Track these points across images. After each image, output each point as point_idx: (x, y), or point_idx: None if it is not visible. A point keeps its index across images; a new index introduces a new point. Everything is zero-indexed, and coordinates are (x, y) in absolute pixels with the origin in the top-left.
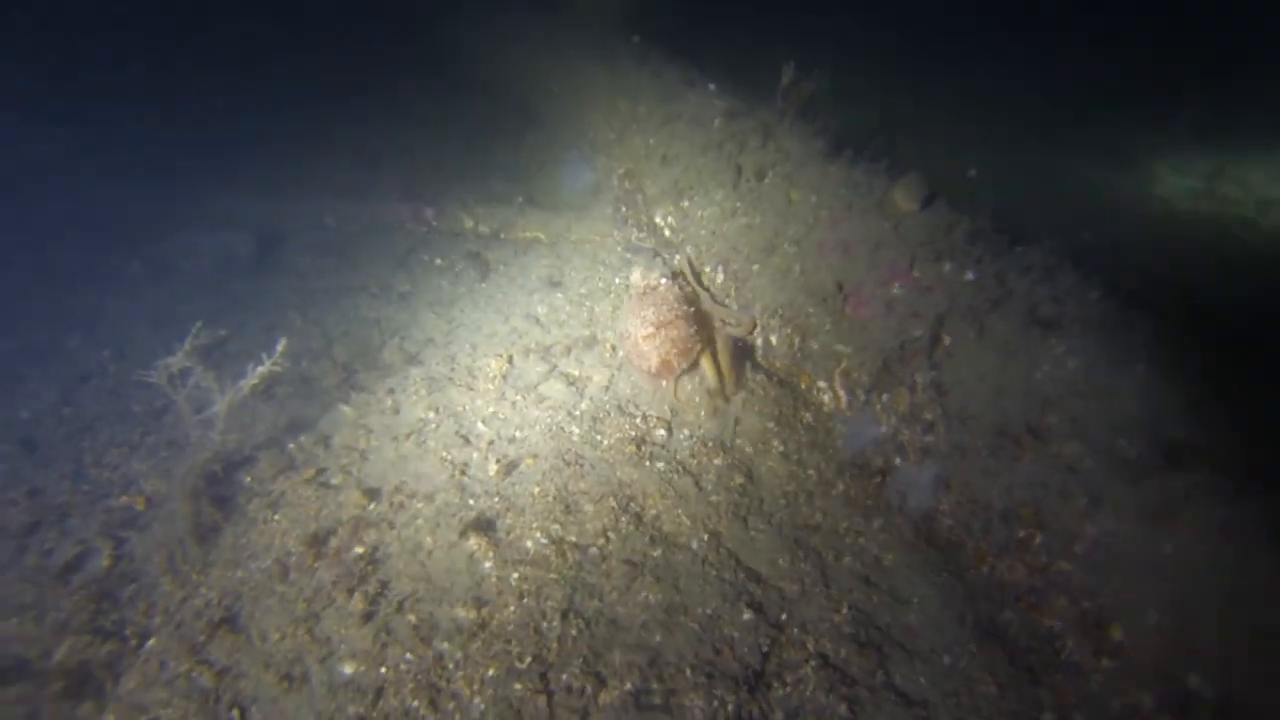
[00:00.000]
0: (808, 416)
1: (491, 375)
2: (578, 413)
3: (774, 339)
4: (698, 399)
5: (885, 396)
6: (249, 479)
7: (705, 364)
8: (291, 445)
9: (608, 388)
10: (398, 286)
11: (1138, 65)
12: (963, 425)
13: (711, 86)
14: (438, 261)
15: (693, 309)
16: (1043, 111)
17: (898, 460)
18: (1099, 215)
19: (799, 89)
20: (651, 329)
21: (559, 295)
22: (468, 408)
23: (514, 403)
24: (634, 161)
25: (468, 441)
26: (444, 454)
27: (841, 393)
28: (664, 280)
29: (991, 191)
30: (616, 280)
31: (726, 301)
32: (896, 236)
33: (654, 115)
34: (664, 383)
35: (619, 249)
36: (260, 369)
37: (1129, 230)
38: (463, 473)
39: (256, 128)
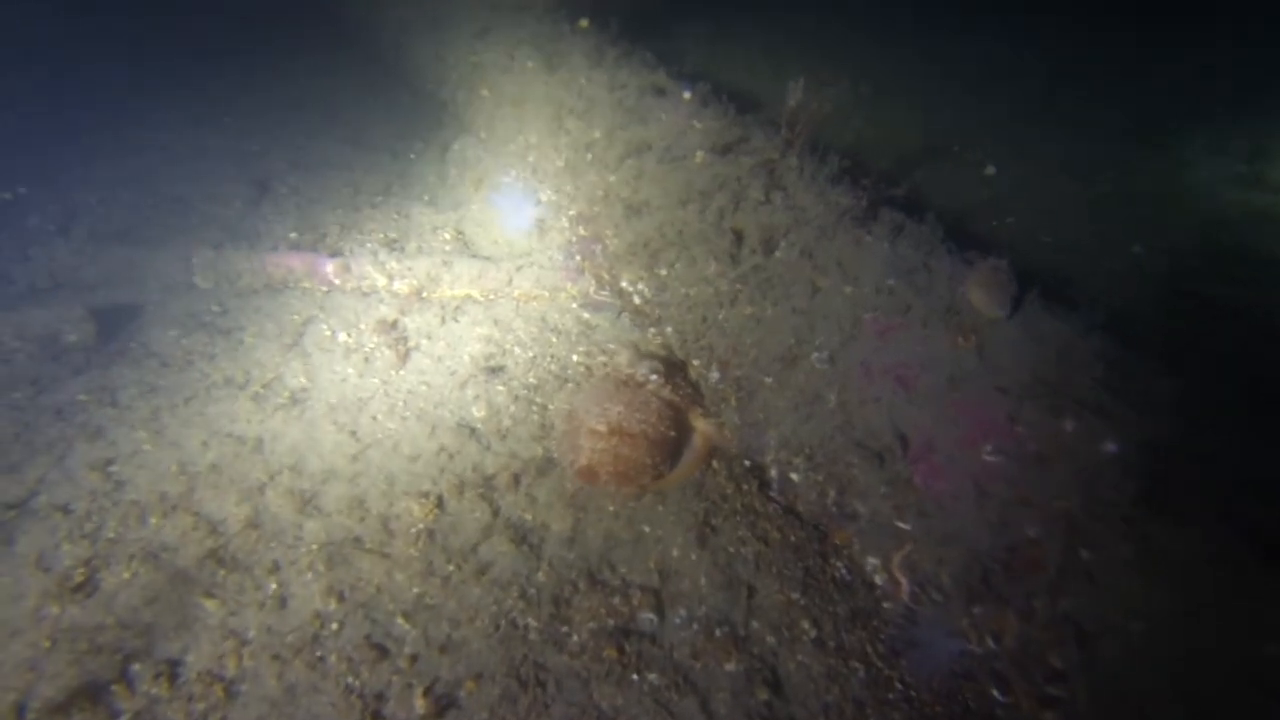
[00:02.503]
0: (839, 568)
1: (413, 534)
2: (533, 590)
3: (795, 477)
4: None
5: (978, 610)
6: None
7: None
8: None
9: (573, 540)
10: (289, 381)
11: (1159, 30)
12: (1119, 696)
13: (687, 94)
14: (342, 338)
15: (671, 435)
16: (1051, 86)
17: (995, 693)
18: (1152, 218)
19: (809, 111)
20: (604, 427)
21: (499, 387)
22: (384, 590)
23: (445, 578)
24: (589, 204)
25: (384, 654)
26: (350, 679)
27: (902, 580)
28: (653, 378)
29: (1023, 203)
30: (574, 358)
31: (723, 409)
32: (982, 366)
33: (613, 143)
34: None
35: (574, 306)
36: None
37: (1194, 238)
38: (374, 716)
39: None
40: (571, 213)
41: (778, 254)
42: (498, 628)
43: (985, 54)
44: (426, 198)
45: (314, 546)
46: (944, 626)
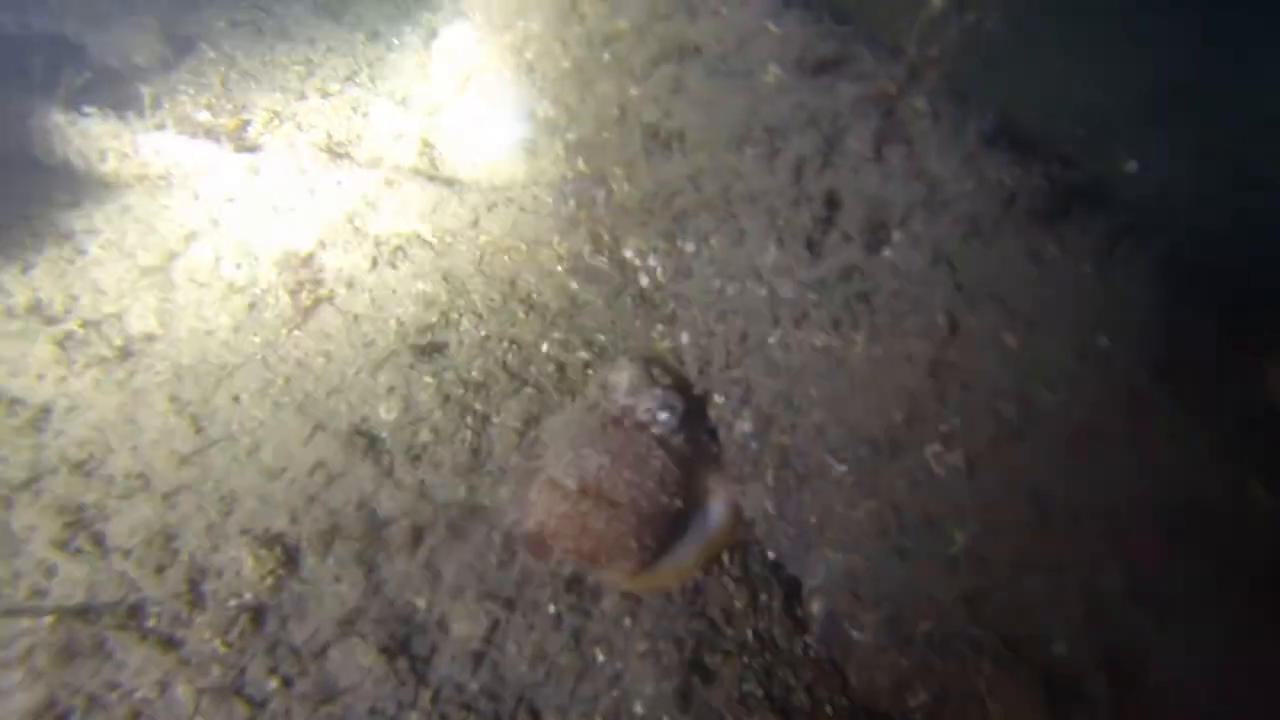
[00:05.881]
0: None
1: (231, 611)
2: None
3: (857, 636)
4: None
5: None
6: None
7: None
8: None
9: (481, 658)
10: (130, 323)
11: None
12: None
13: None
14: (229, 271)
15: (674, 508)
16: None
17: None
18: None
19: (956, 32)
20: (573, 484)
21: (428, 378)
22: None
23: (257, 706)
24: (596, 127)
25: None
26: None
27: None
28: (663, 418)
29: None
30: (544, 348)
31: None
32: None
33: (644, 40)
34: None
35: (559, 269)
36: None
37: None
38: None
39: None
40: (570, 137)
41: (888, 252)
42: None
43: None
44: (399, 95)
45: (50, 618)
46: None
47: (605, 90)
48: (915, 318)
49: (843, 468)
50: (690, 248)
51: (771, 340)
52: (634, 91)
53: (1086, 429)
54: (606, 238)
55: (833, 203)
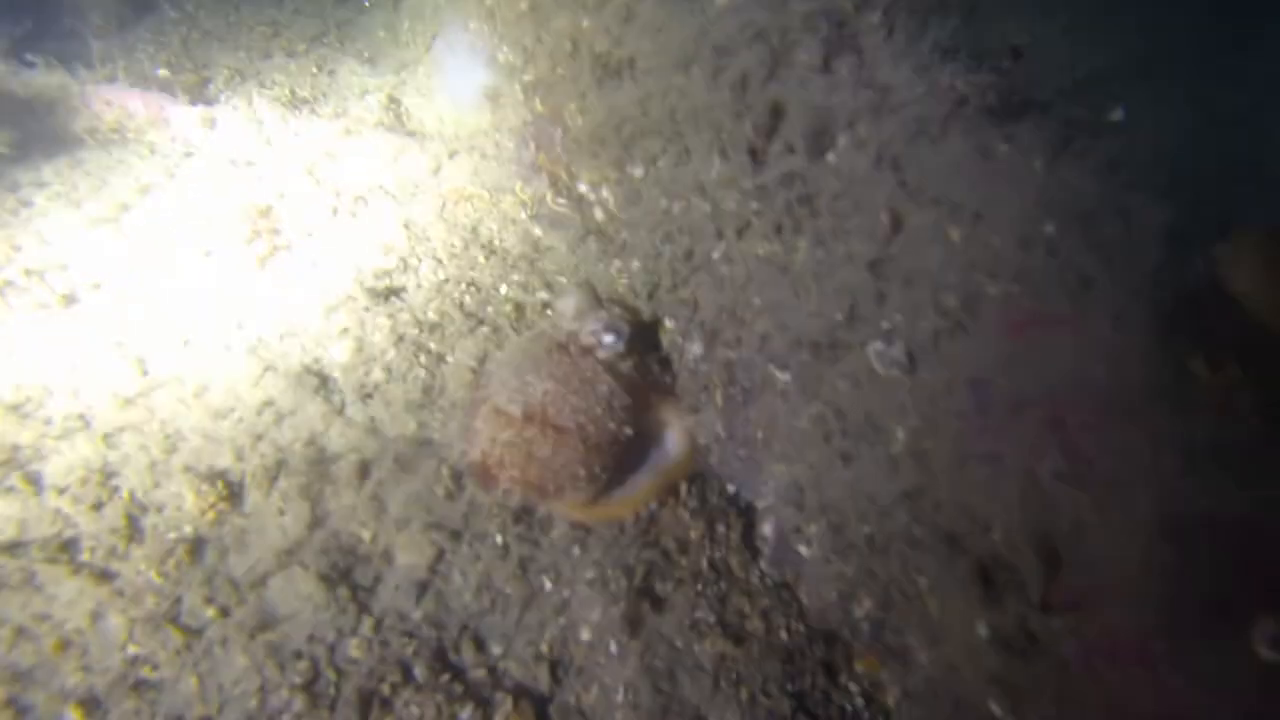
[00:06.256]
0: (853, 701)
1: (169, 543)
2: (331, 676)
3: (805, 550)
4: None
5: None
6: None
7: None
8: None
9: (425, 586)
10: (76, 271)
11: None
12: None
13: None
14: (185, 223)
15: (624, 435)
16: None
17: None
18: None
19: None
20: (517, 410)
21: (382, 319)
22: (71, 648)
23: (191, 634)
24: (552, 62)
25: None
26: None
27: None
28: (608, 340)
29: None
30: (503, 289)
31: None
32: (1246, 429)
33: None
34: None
35: (523, 216)
36: None
37: None
38: None
39: None
40: (527, 78)
41: (831, 158)
42: None
43: None
44: (366, 55)
45: None
46: None
47: (559, 25)
48: (857, 218)
49: (786, 376)
50: (639, 172)
51: (715, 255)
52: (586, 23)
53: (1028, 316)
54: (564, 177)
55: (777, 112)
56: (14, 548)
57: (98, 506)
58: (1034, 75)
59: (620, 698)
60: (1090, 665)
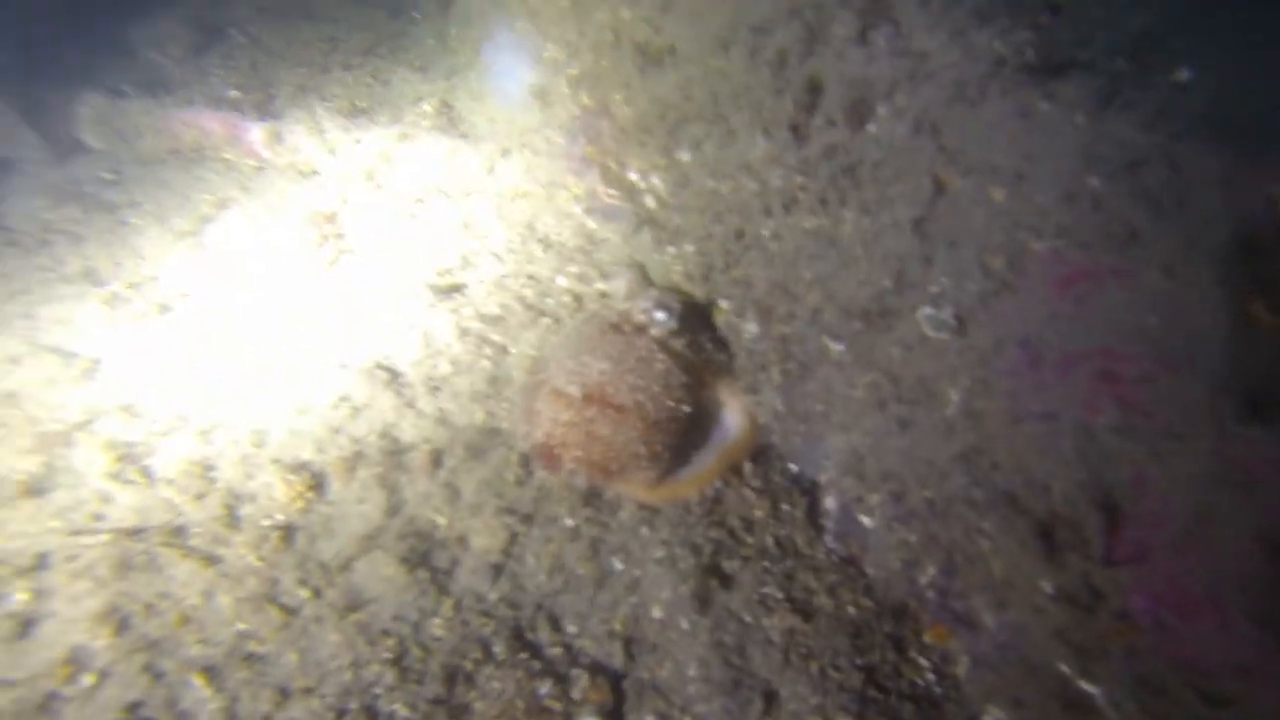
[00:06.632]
0: (925, 676)
1: (264, 529)
2: (417, 652)
3: (868, 521)
4: None
5: None
6: None
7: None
8: None
9: (500, 569)
10: (166, 282)
11: None
12: None
13: None
14: (259, 232)
15: (682, 412)
16: None
17: None
18: None
19: None
20: (576, 390)
21: (446, 315)
22: (189, 622)
23: (290, 612)
24: (595, 56)
25: None
26: None
27: None
28: (660, 318)
29: None
30: (560, 281)
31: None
32: None
33: None
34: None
35: (576, 210)
36: None
37: None
38: None
39: None
40: (572, 72)
41: (872, 128)
42: (341, 716)
43: None
44: (418, 63)
45: (107, 536)
46: None
47: (600, 18)
48: (900, 185)
49: (840, 346)
50: (686, 156)
51: (765, 232)
52: (626, 14)
53: (1076, 270)
54: (614, 167)
55: (816, 87)
56: (137, 533)
57: (200, 496)
58: (1081, 34)
59: (693, 672)
60: (1158, 619)
